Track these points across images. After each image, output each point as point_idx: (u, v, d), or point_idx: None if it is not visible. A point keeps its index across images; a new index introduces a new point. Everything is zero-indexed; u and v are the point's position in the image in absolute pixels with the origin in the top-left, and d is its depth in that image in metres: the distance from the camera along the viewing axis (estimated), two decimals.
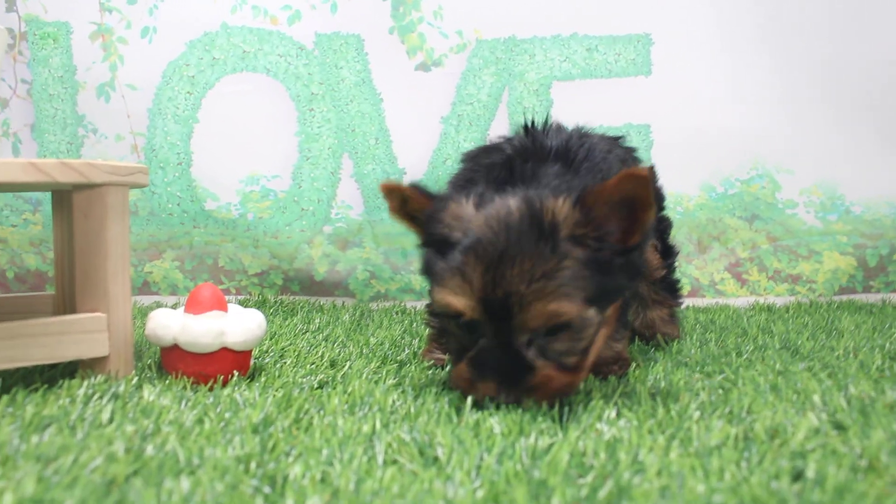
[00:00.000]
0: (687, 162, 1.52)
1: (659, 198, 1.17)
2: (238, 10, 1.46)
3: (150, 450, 0.59)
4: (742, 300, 1.55)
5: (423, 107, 1.50)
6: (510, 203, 0.72)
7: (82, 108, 1.47)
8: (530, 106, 1.49)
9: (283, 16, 1.47)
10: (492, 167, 0.87)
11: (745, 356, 0.99)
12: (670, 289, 1.18)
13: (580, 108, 1.49)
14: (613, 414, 0.69)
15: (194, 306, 0.86)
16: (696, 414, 0.69)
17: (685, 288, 1.54)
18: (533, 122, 0.94)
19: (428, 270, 0.77)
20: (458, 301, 0.71)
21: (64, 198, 0.94)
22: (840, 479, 0.53)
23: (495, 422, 0.66)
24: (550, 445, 0.61)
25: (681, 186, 1.53)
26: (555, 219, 0.70)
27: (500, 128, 1.49)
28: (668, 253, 1.18)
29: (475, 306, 0.70)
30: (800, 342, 1.09)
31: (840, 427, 0.67)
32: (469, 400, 0.71)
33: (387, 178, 1.49)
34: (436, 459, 0.59)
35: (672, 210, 1.51)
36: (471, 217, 0.73)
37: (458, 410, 0.70)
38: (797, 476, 0.55)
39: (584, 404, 0.73)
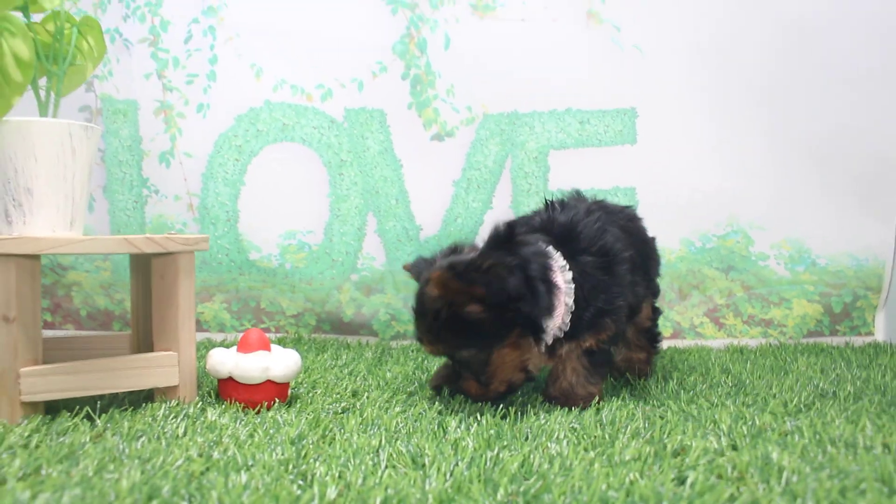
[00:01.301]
0: (668, 220, 1.71)
1: (657, 265, 1.41)
2: (279, 88, 1.71)
3: (216, 454, 0.82)
4: (719, 342, 1.75)
5: (437, 172, 1.71)
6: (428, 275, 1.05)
7: (146, 173, 1.72)
8: (530, 171, 1.71)
9: (317, 94, 1.71)
10: None
11: (691, 392, 1.19)
12: (651, 338, 1.39)
13: (574, 173, 1.71)
14: (562, 434, 0.91)
15: (245, 347, 1.09)
16: (625, 438, 0.90)
17: (668, 331, 1.75)
18: (552, 201, 1.20)
19: None
20: None
21: (141, 260, 1.19)
22: (708, 484, 0.74)
23: (470, 440, 0.88)
24: (508, 456, 0.82)
25: (663, 241, 1.70)
26: (430, 289, 1.02)
27: (505, 190, 1.71)
28: (654, 309, 1.40)
29: None
30: (748, 381, 1.29)
31: (735, 448, 0.87)
32: (453, 423, 0.93)
33: (405, 233, 1.72)
34: (423, 465, 0.81)
35: None
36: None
37: (445, 431, 0.92)
38: (682, 482, 0.76)
39: (542, 427, 0.94)
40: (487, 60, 1.70)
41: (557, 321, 1.04)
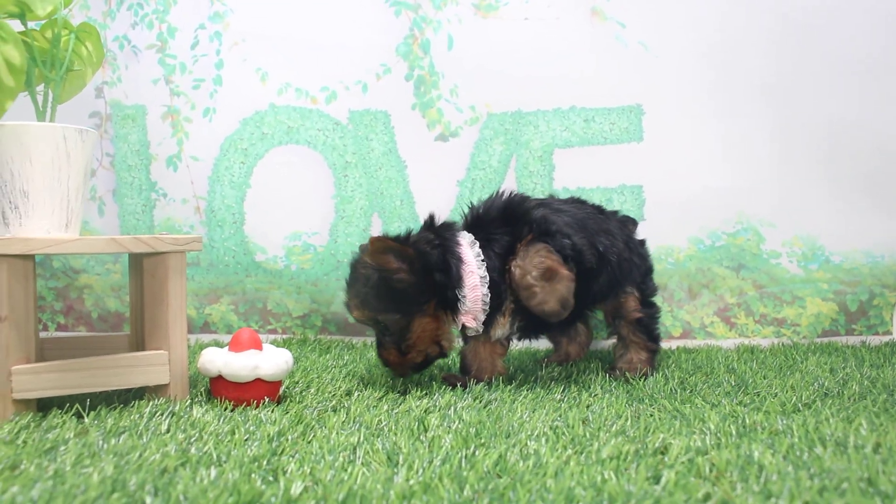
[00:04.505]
0: (677, 218, 1.69)
1: (649, 269, 1.44)
2: (284, 92, 1.72)
3: (193, 450, 0.82)
4: (730, 342, 1.71)
5: (441, 172, 1.71)
6: None
7: (154, 177, 1.74)
8: (535, 171, 1.70)
9: (321, 96, 1.72)
10: None
11: (689, 391, 1.17)
12: (648, 333, 1.38)
13: (580, 172, 1.69)
14: (543, 432, 0.89)
15: (236, 346, 1.10)
16: (607, 436, 0.88)
17: (677, 330, 1.72)
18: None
19: None
20: None
21: (137, 259, 1.20)
22: (682, 483, 0.72)
23: (449, 437, 0.87)
24: (484, 454, 0.81)
25: (671, 240, 1.71)
26: (364, 257, 1.17)
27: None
28: (648, 304, 1.39)
29: None
30: (751, 380, 1.26)
31: (720, 447, 0.85)
32: (433, 421, 0.92)
33: None
34: (397, 463, 0.80)
35: (663, 261, 1.69)
36: None
37: (426, 428, 0.91)
38: (657, 480, 0.75)
39: (524, 424, 0.93)
40: (491, 60, 1.69)
41: (474, 294, 1.16)
